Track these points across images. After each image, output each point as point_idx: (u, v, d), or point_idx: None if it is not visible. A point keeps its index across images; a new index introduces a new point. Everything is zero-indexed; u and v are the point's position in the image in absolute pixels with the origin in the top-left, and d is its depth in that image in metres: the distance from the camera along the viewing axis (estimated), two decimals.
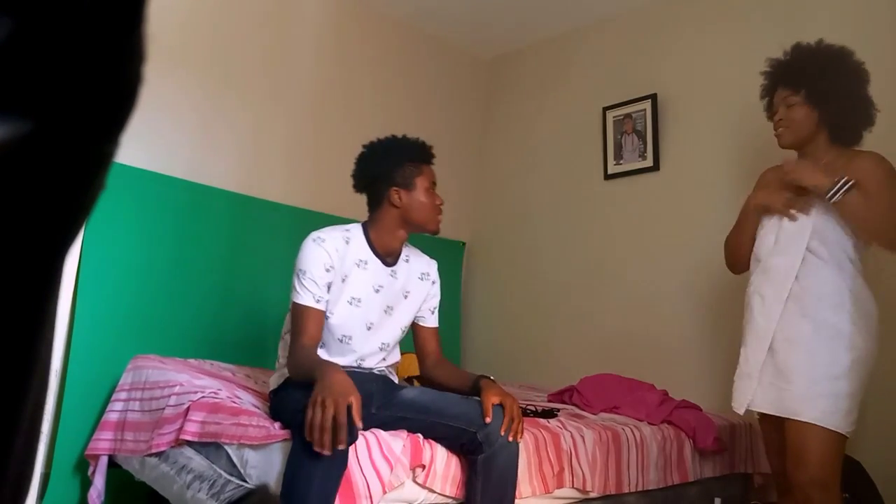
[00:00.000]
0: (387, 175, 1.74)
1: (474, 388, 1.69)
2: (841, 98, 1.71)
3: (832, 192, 1.62)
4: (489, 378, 1.71)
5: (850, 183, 1.60)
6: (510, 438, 1.58)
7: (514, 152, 3.74)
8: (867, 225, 1.64)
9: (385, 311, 1.78)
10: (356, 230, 1.78)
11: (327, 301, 1.69)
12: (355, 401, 1.37)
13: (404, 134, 1.82)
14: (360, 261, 1.74)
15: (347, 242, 1.73)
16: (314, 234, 1.71)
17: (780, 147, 1.85)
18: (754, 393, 1.76)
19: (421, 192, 1.75)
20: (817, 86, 1.72)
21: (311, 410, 1.35)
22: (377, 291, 1.76)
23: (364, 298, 1.73)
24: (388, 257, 1.79)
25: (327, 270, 1.68)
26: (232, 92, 2.90)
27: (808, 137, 1.77)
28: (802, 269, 1.69)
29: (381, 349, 1.79)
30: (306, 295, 1.66)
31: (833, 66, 1.72)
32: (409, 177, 1.74)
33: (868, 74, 1.72)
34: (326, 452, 1.33)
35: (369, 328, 1.75)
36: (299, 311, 1.67)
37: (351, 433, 1.36)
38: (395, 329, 1.81)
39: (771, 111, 1.87)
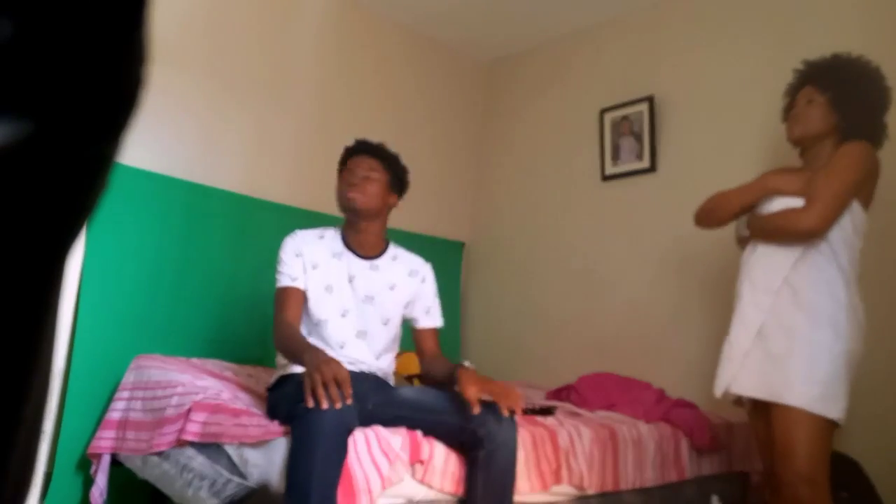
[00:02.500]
0: None
1: (451, 379, 1.68)
2: (862, 113, 1.74)
3: (742, 227, 1.83)
4: (464, 366, 1.68)
5: (748, 216, 1.81)
6: (506, 413, 1.57)
7: (512, 154, 3.75)
8: (776, 231, 1.75)
9: (363, 300, 1.84)
10: (334, 230, 1.91)
11: (305, 283, 1.80)
12: (346, 374, 1.46)
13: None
14: (335, 253, 1.86)
15: (321, 238, 1.87)
16: (291, 232, 1.88)
17: (787, 139, 1.86)
18: (734, 377, 1.77)
19: (339, 183, 1.89)
20: (844, 94, 1.75)
21: (310, 377, 1.44)
22: (351, 281, 1.84)
23: (336, 286, 1.82)
24: (362, 251, 1.88)
25: (297, 256, 1.81)
26: (234, 93, 2.90)
27: (818, 137, 1.79)
28: (800, 258, 1.71)
29: (358, 336, 1.81)
30: (284, 278, 1.80)
31: (864, 81, 1.75)
32: (339, 177, 1.92)
33: (890, 101, 1.75)
34: (337, 405, 1.41)
35: (344, 315, 1.81)
36: (280, 294, 1.80)
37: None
38: (375, 318, 1.84)
39: (790, 107, 1.87)
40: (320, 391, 1.41)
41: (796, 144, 1.85)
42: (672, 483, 2.20)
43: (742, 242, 1.90)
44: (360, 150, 1.91)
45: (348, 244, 1.88)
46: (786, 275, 1.71)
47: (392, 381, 1.93)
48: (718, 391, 1.82)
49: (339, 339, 1.80)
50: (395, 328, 1.90)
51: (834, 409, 1.62)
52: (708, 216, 1.96)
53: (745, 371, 1.76)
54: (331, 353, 1.71)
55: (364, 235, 1.88)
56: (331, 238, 1.88)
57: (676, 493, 2.22)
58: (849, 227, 1.70)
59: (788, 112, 1.88)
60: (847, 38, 2.36)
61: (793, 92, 1.88)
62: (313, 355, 1.53)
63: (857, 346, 1.67)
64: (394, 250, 1.93)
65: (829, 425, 1.63)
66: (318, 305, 1.80)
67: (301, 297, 1.79)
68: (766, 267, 1.75)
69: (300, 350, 1.61)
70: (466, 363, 1.71)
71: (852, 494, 2.00)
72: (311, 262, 1.82)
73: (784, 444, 1.65)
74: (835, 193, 1.65)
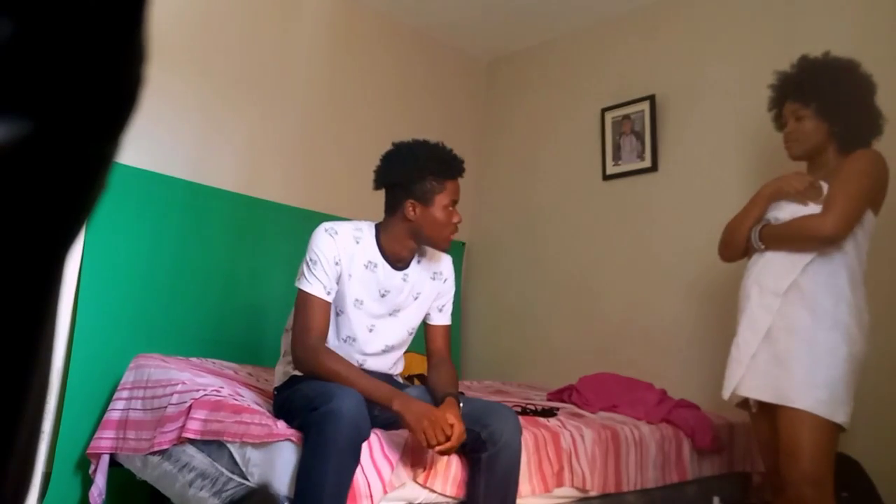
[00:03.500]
0: (406, 185, 1.67)
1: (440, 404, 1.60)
2: (850, 111, 1.74)
3: (755, 240, 1.80)
4: (453, 396, 1.60)
5: (760, 227, 1.80)
6: (436, 451, 1.50)
7: (513, 153, 3.75)
8: (794, 240, 1.72)
9: (391, 315, 1.76)
10: (368, 231, 1.74)
11: (335, 296, 1.69)
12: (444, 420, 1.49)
13: (438, 142, 1.73)
14: (369, 262, 1.71)
15: (357, 242, 1.70)
16: (327, 225, 1.69)
17: (790, 158, 1.87)
18: (742, 379, 1.77)
19: (438, 209, 1.67)
20: (827, 100, 1.75)
21: (425, 435, 1.45)
22: (383, 296, 1.73)
23: (367, 301, 1.71)
24: (399, 262, 1.76)
25: (336, 264, 1.66)
26: (233, 93, 2.90)
27: (818, 149, 1.80)
28: (811, 260, 1.70)
29: (384, 351, 1.77)
30: (317, 284, 1.64)
31: (842, 79, 1.75)
32: (430, 192, 1.66)
33: (875, 86, 1.75)
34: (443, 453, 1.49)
35: (371, 330, 1.74)
36: (308, 301, 1.64)
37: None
38: (401, 331, 1.79)
39: (780, 123, 1.88)
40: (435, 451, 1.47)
41: (799, 160, 1.87)
42: (674, 484, 2.19)
43: (751, 252, 1.88)
44: (462, 172, 1.75)
45: (384, 252, 1.73)
46: (795, 278, 1.70)
47: (400, 380, 1.92)
48: (726, 393, 1.81)
49: (362, 357, 1.74)
50: (414, 333, 1.85)
51: (840, 413, 1.62)
52: (727, 248, 1.92)
53: (751, 373, 1.75)
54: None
55: (407, 252, 1.75)
56: (366, 242, 1.71)
57: (678, 493, 2.22)
58: (858, 230, 1.70)
59: (778, 122, 1.89)
60: (846, 36, 2.36)
61: (774, 106, 1.89)
62: (410, 408, 1.48)
63: (863, 348, 1.67)
64: (418, 252, 1.80)
65: (835, 427, 1.63)
66: (348, 321, 1.70)
67: (329, 310, 1.67)
68: (777, 270, 1.74)
69: (366, 388, 1.52)
70: (460, 396, 1.62)
71: (852, 494, 2.00)
72: (348, 271, 1.67)
73: (789, 445, 1.64)
74: (851, 199, 1.65)
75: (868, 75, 1.75)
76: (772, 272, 1.76)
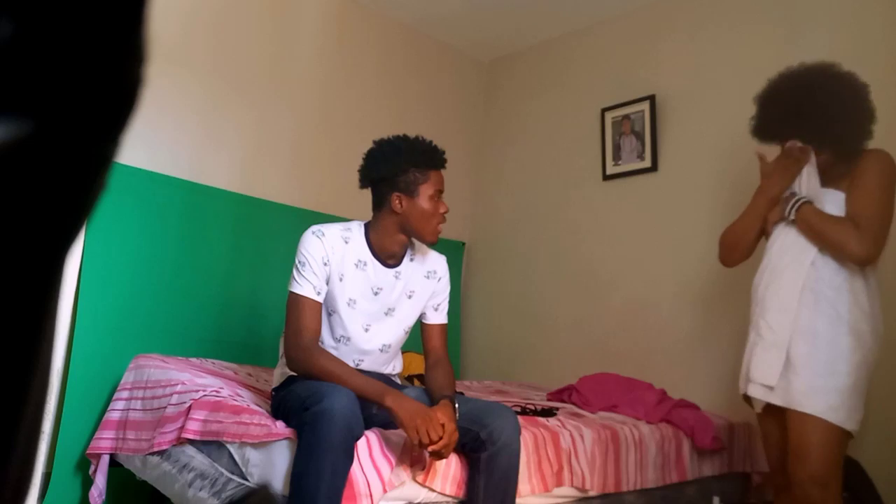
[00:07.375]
0: (390, 179, 1.69)
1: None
2: (836, 130, 1.69)
3: (788, 209, 1.72)
4: (448, 398, 1.60)
5: (801, 201, 1.70)
6: (429, 451, 1.50)
7: (513, 153, 3.75)
8: (824, 239, 1.67)
9: (385, 314, 1.76)
10: (357, 230, 1.76)
11: (325, 297, 1.70)
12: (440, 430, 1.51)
13: (417, 135, 1.74)
14: (359, 261, 1.72)
15: (346, 242, 1.71)
16: (314, 227, 1.72)
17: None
18: (753, 378, 1.74)
19: (424, 199, 1.69)
20: (814, 132, 1.71)
21: (416, 434, 1.46)
22: (376, 294, 1.74)
23: (360, 300, 1.72)
24: (390, 259, 1.76)
25: (325, 264, 1.68)
26: (234, 92, 2.90)
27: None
28: (821, 260, 1.68)
29: (381, 350, 1.77)
30: (306, 285, 1.66)
31: (824, 103, 1.69)
32: (414, 183, 1.68)
33: (863, 88, 1.69)
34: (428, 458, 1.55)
35: (367, 329, 1.74)
36: (299, 302, 1.65)
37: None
38: (397, 330, 1.79)
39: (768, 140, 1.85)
40: (428, 452, 1.49)
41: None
42: (673, 484, 2.20)
43: (769, 228, 1.80)
44: (444, 162, 1.74)
45: (374, 249, 1.74)
46: (806, 271, 1.67)
47: (399, 381, 1.92)
48: (772, 380, 1.70)
49: (359, 356, 1.74)
50: (409, 331, 1.85)
51: (850, 420, 1.61)
52: (734, 252, 1.88)
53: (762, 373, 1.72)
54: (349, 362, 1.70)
55: (398, 247, 1.76)
56: (356, 241, 1.73)
57: (678, 494, 2.22)
58: None
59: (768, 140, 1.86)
60: (846, 37, 2.36)
61: (761, 140, 1.87)
62: (402, 405, 1.48)
63: (876, 355, 1.66)
64: (410, 250, 1.82)
65: (845, 433, 1.62)
66: (342, 321, 1.71)
67: (321, 310, 1.69)
68: (793, 267, 1.70)
69: (359, 386, 1.53)
70: (455, 397, 1.64)
71: (853, 494, 2.00)
72: (339, 272, 1.69)
73: (799, 446, 1.63)
74: (882, 218, 1.63)
75: (852, 81, 1.68)
76: (788, 267, 1.71)
